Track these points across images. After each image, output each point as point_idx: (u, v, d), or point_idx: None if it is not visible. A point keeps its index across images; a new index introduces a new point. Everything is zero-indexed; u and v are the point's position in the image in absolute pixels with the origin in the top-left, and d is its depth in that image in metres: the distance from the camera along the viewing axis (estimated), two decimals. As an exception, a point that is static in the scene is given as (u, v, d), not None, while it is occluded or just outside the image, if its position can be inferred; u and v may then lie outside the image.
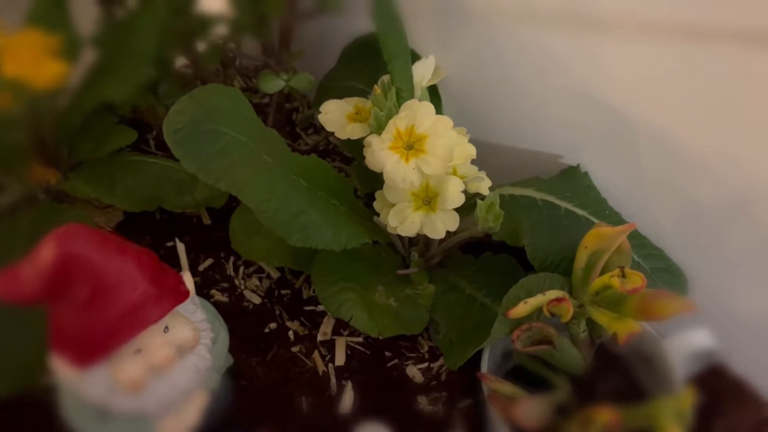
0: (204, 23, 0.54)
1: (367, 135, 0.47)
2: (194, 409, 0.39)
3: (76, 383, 0.36)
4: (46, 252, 0.32)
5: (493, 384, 0.42)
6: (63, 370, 0.35)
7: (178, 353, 0.37)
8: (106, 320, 0.34)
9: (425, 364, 0.49)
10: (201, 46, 0.57)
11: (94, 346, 0.34)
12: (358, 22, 0.52)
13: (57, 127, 0.51)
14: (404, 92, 0.46)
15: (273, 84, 0.54)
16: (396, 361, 0.50)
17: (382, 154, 0.44)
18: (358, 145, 0.48)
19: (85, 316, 0.34)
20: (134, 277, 0.34)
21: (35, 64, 0.45)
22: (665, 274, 0.47)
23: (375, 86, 0.48)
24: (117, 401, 0.36)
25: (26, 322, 0.42)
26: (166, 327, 0.37)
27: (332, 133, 0.49)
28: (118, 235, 0.45)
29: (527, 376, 0.44)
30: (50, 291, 0.33)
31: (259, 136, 0.45)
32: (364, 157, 0.46)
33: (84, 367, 0.35)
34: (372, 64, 0.53)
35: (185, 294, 0.37)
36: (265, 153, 0.44)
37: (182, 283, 0.38)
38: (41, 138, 0.50)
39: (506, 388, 0.42)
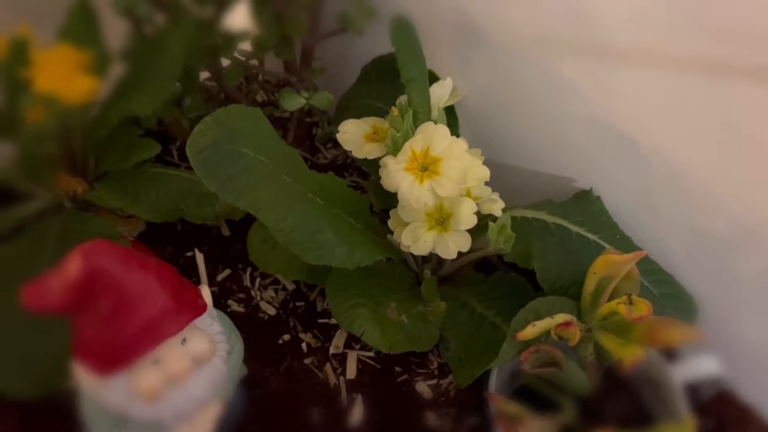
0: (229, 40, 0.56)
1: (384, 155, 0.48)
2: (208, 419, 0.40)
3: (97, 390, 0.37)
4: (73, 266, 0.34)
5: (499, 403, 0.43)
6: (84, 378, 0.37)
7: (195, 364, 0.39)
8: (127, 332, 0.35)
9: (434, 381, 0.50)
10: (225, 62, 0.58)
11: (114, 357, 0.36)
12: (379, 42, 0.53)
13: (85, 139, 0.52)
14: (421, 114, 0.47)
15: (294, 102, 0.56)
16: (406, 376, 0.51)
17: (397, 175, 0.45)
18: (375, 162, 0.49)
19: (107, 327, 0.35)
20: (155, 292, 0.36)
21: (67, 79, 0.46)
22: (674, 300, 0.48)
23: (392, 107, 0.49)
24: (135, 409, 0.38)
25: (51, 329, 0.43)
26: (184, 339, 0.38)
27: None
28: (141, 245, 0.46)
29: (535, 395, 0.45)
30: (75, 303, 0.34)
31: (279, 156, 0.46)
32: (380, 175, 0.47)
33: (105, 375, 0.36)
34: (390, 84, 0.53)
35: (203, 308, 0.39)
36: (284, 172, 0.45)
37: (200, 297, 0.39)
38: (70, 149, 0.52)
39: (513, 408, 0.42)
